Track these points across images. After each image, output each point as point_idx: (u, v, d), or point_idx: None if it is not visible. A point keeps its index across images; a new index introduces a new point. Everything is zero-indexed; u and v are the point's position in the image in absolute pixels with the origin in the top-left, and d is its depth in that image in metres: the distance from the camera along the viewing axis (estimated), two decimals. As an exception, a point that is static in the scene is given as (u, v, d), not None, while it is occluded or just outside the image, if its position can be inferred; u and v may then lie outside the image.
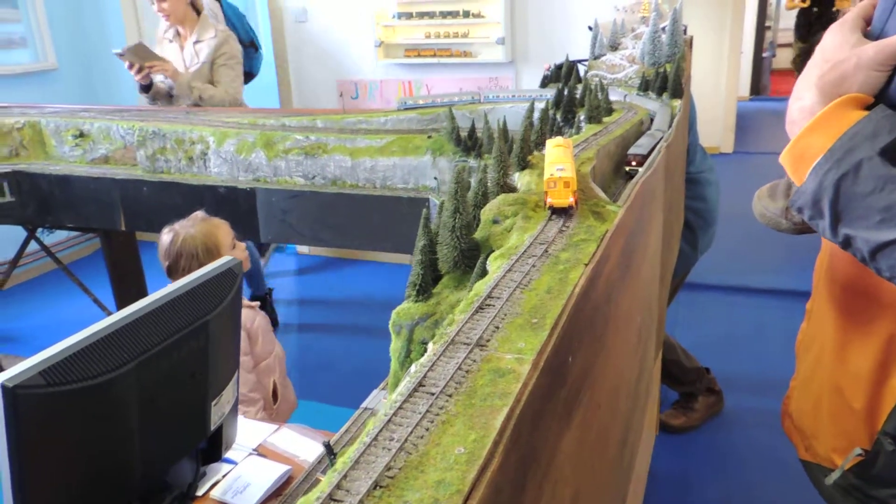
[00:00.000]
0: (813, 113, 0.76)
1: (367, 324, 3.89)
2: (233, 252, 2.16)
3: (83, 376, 0.84)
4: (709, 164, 2.73)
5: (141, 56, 3.21)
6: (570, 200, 0.90)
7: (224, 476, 1.31)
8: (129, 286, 3.38)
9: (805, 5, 4.07)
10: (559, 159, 0.94)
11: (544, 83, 2.45)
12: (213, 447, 1.25)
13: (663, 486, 2.55)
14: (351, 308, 4.18)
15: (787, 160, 0.78)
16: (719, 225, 2.80)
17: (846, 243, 0.73)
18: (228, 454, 1.33)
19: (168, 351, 1.03)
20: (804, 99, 0.78)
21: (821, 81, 0.77)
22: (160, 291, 1.09)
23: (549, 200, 0.91)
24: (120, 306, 3.17)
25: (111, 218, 2.71)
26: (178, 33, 3.50)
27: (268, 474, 1.30)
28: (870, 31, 0.80)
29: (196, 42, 3.44)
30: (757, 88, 9.83)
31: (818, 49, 0.80)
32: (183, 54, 3.47)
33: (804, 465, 1.08)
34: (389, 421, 0.51)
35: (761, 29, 9.54)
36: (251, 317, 2.07)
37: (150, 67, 3.21)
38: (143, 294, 2.81)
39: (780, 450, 2.58)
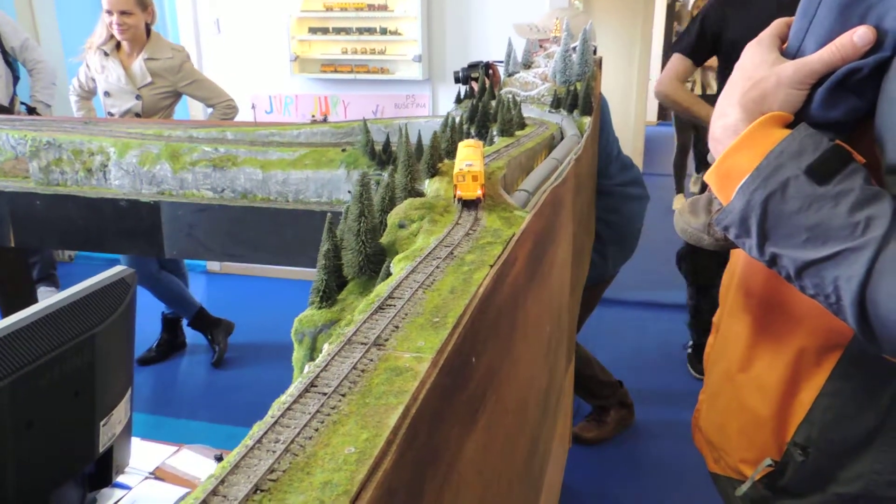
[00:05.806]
0: (737, 131, 0.75)
1: (280, 341, 3.78)
2: None
3: (-58, 393, 0.76)
4: (632, 178, 2.71)
5: None
6: (478, 193, 0.93)
7: (116, 503, 1.22)
8: (20, 306, 3.14)
9: None
10: (468, 156, 0.96)
11: (459, 99, 2.47)
12: (102, 471, 1.16)
13: (577, 497, 2.57)
14: (264, 326, 4.06)
15: (713, 178, 0.77)
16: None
17: (772, 261, 0.72)
18: (121, 478, 1.24)
19: (48, 367, 0.95)
20: (728, 116, 0.77)
21: (743, 99, 0.76)
22: (42, 303, 1.01)
23: (458, 193, 0.94)
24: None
25: (-1, 233, 2.53)
26: (118, 47, 3.34)
27: (165, 499, 1.22)
28: (786, 49, 0.80)
29: (148, 59, 3.29)
30: (663, 115, 10.37)
31: (737, 67, 0.81)
32: (130, 70, 3.32)
33: (713, 477, 1.09)
34: (276, 423, 0.47)
35: (667, 60, 10.07)
36: None
37: None
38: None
39: (689, 460, 2.66)
